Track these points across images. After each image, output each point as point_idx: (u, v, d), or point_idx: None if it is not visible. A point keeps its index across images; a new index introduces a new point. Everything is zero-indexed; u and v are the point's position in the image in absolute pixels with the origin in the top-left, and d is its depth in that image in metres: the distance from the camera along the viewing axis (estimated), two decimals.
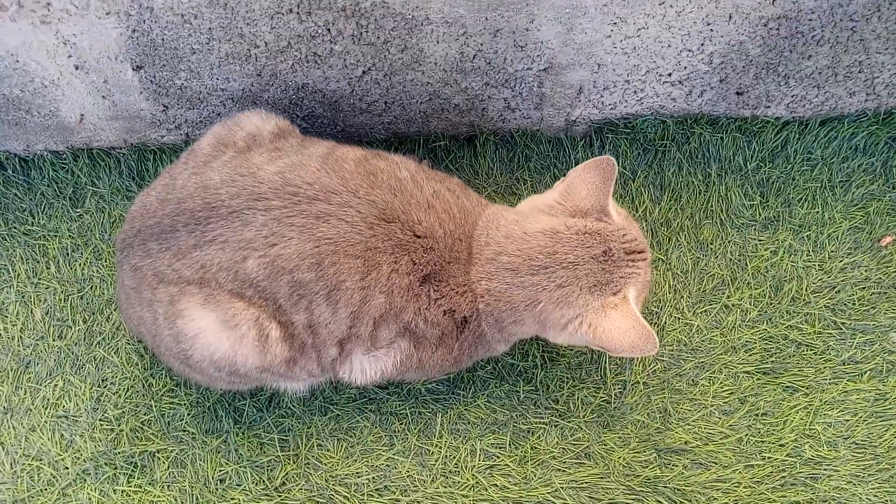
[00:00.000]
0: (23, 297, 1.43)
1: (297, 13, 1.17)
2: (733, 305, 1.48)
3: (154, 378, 1.39)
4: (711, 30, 1.28)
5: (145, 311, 1.13)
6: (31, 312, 1.42)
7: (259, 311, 1.09)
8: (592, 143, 1.56)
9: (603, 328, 1.09)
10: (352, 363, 1.19)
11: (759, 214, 1.54)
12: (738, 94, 1.47)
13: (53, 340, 1.40)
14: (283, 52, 1.26)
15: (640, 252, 1.12)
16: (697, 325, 1.46)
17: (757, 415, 1.41)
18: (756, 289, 1.49)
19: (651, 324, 1.46)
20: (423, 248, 1.10)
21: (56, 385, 1.38)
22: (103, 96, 1.34)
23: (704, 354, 1.45)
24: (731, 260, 1.51)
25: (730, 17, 1.25)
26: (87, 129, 1.43)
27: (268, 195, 1.07)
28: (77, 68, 1.26)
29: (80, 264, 1.45)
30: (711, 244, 1.52)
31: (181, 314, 1.08)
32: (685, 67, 1.37)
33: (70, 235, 1.46)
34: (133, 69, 1.27)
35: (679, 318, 1.47)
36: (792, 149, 1.57)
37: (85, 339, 1.40)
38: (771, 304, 1.48)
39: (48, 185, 1.49)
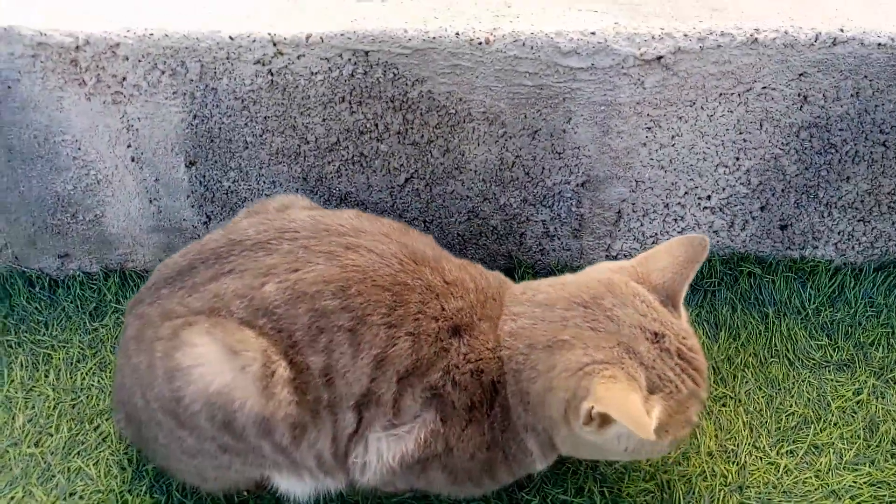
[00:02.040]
0: (9, 401, 1.28)
1: (349, 102, 1.26)
2: (824, 445, 1.25)
3: (131, 494, 1.16)
4: (745, 140, 1.32)
5: (142, 357, 1.00)
6: (14, 418, 1.26)
7: (270, 343, 0.96)
8: None
9: (621, 389, 0.89)
10: (367, 442, 1.00)
11: (832, 357, 1.39)
12: (781, 227, 1.44)
13: (27, 447, 1.22)
14: (331, 149, 1.32)
15: (695, 369, 0.96)
16: (785, 466, 1.22)
17: None
18: (845, 428, 1.28)
19: (729, 462, 1.23)
20: (453, 294, 1.01)
21: (13, 497, 1.16)
22: (150, 199, 1.37)
23: (800, 498, 1.18)
24: (809, 399, 1.33)
25: (761, 123, 1.30)
26: (125, 244, 1.44)
27: (297, 229, 1.03)
28: (133, 160, 1.32)
29: (81, 374, 1.33)
30: (783, 382, 1.35)
31: (181, 346, 0.96)
32: (724, 189, 1.38)
33: (80, 346, 1.37)
34: (186, 165, 1.33)
35: (762, 458, 1.24)
36: (851, 294, 1.48)
37: (64, 448, 1.22)
38: (868, 445, 1.25)
39: (71, 302, 1.45)
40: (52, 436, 1.24)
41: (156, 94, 1.24)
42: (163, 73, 1.22)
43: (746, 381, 1.35)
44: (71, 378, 1.32)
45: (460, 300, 1.01)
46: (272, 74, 1.23)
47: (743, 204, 1.41)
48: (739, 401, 1.32)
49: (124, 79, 1.22)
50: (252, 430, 0.96)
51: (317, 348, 0.97)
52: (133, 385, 1.03)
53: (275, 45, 1.19)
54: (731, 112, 1.29)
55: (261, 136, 1.30)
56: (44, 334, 1.39)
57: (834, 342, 1.41)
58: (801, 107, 1.29)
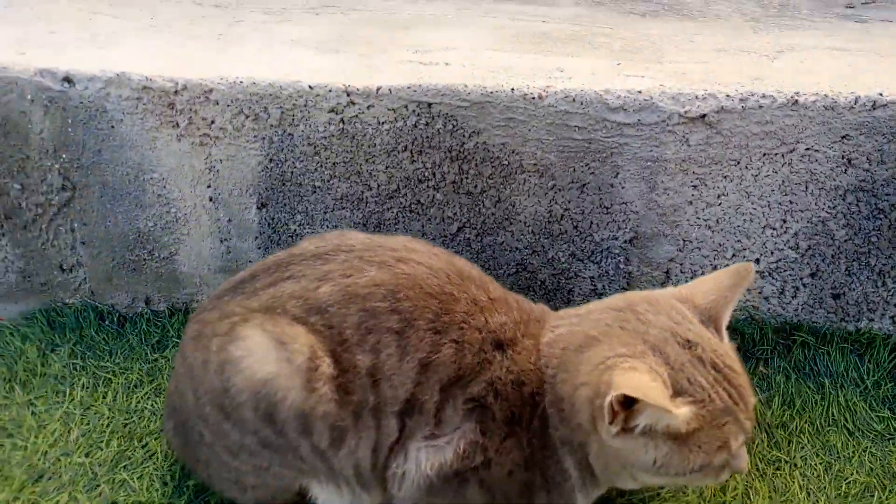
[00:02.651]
0: (67, 416, 1.34)
1: (411, 151, 1.37)
2: None
3: None
4: (791, 201, 1.36)
5: (198, 354, 1.06)
6: (69, 431, 1.31)
7: (318, 340, 1.00)
8: None
9: (640, 376, 0.89)
10: (407, 451, 1.01)
11: (895, 430, 1.33)
12: (834, 297, 1.44)
13: (78, 458, 1.26)
14: (391, 196, 1.41)
15: (732, 386, 0.93)
16: None
17: None
18: None
19: None
20: (497, 310, 1.05)
21: (58, 501, 1.18)
22: (221, 239, 1.48)
23: None
24: (872, 468, 1.26)
25: (806, 185, 1.34)
26: (193, 283, 1.53)
27: (353, 244, 1.10)
28: (211, 200, 1.44)
29: (137, 397, 1.38)
30: (842, 451, 1.29)
31: (235, 339, 1.02)
32: (772, 252, 1.40)
33: (139, 373, 1.43)
34: (258, 207, 1.44)
35: None
36: None
37: (112, 460, 1.25)
38: None
39: (136, 336, 1.52)
40: (102, 449, 1.27)
41: (238, 138, 1.38)
42: (247, 117, 1.36)
43: (802, 447, 1.30)
44: (127, 400, 1.37)
45: (504, 316, 1.04)
46: (343, 122, 1.35)
47: (793, 269, 1.42)
48: (795, 465, 1.27)
49: (213, 122, 1.36)
50: (292, 423, 0.98)
51: (365, 348, 1.00)
52: (186, 385, 1.08)
53: (348, 94, 1.33)
54: (776, 172, 1.34)
55: (328, 181, 1.41)
56: (107, 361, 1.46)
57: None
58: (846, 170, 1.32)
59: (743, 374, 0.97)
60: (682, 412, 0.89)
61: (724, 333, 1.00)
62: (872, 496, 1.21)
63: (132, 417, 1.34)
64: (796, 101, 1.28)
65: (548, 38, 1.56)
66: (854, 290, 1.42)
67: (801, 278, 1.42)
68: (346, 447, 1.01)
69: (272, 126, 1.36)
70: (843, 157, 1.31)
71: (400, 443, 1.01)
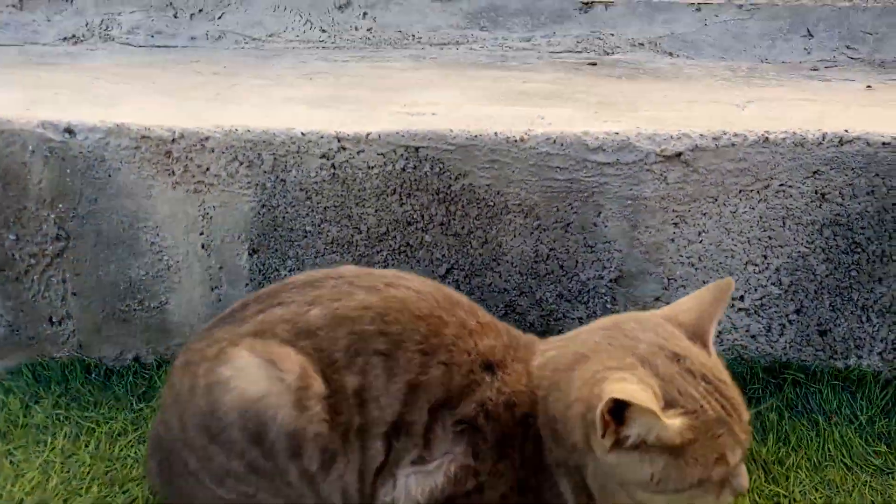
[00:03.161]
0: (47, 464, 1.30)
1: (400, 194, 1.41)
2: None
3: None
4: (770, 237, 1.39)
5: (186, 380, 1.06)
6: (48, 480, 1.27)
7: (308, 361, 1.01)
8: None
9: (630, 384, 0.88)
10: (396, 479, 1.00)
11: (894, 464, 1.32)
12: (820, 333, 1.45)
13: None
14: (381, 239, 1.44)
15: (724, 397, 0.92)
16: None
17: None
18: None
19: None
20: (486, 335, 1.06)
21: None
22: (213, 287, 1.49)
23: None
24: (874, 501, 1.24)
25: (783, 220, 1.38)
26: (182, 333, 1.53)
27: (343, 273, 1.12)
28: (203, 247, 1.47)
29: (120, 446, 1.36)
30: (842, 485, 1.27)
31: (224, 361, 1.02)
32: (756, 289, 1.43)
33: (124, 423, 1.41)
34: (249, 253, 1.47)
35: None
36: None
37: None
38: None
39: (122, 387, 1.51)
40: (81, 496, 1.24)
41: (232, 184, 1.42)
42: (241, 164, 1.40)
43: (801, 482, 1.27)
44: (110, 448, 1.35)
45: (493, 340, 1.05)
46: (334, 168, 1.40)
47: (777, 306, 1.44)
48: (794, 500, 1.24)
49: (208, 169, 1.41)
50: (282, 444, 0.97)
51: (353, 369, 1.00)
52: (172, 414, 1.07)
53: (339, 140, 1.38)
54: (753, 209, 1.38)
55: (319, 225, 1.44)
56: (91, 411, 1.44)
57: (894, 451, 1.34)
58: (821, 204, 1.37)
59: (734, 387, 0.97)
60: (674, 422, 0.89)
61: (712, 348, 1.01)
62: None
63: (114, 465, 1.31)
64: (767, 138, 1.34)
65: (529, 96, 1.64)
66: (840, 325, 1.44)
67: (787, 315, 1.44)
68: (336, 471, 0.99)
69: (265, 172, 1.41)
70: (816, 192, 1.36)
71: (387, 468, 0.99)
